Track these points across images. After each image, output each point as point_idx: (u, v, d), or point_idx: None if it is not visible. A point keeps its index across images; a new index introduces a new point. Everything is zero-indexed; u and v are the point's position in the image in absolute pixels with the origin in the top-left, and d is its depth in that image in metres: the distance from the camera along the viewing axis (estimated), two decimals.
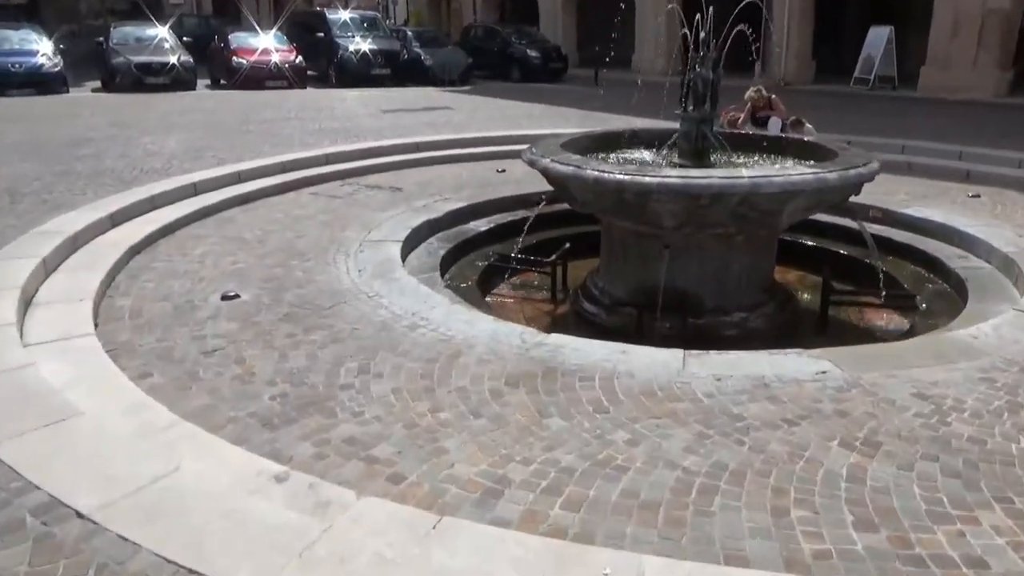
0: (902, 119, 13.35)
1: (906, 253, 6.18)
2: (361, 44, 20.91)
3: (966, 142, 9.53)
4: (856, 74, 17.63)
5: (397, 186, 8.02)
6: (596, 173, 4.66)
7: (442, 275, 5.92)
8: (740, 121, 9.94)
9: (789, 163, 5.68)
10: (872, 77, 17.18)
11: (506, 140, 10.41)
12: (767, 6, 19.64)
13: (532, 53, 22.77)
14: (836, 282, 5.49)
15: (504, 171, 8.98)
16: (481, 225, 7.03)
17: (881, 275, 5.33)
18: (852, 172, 4.63)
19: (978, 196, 7.30)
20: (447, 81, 20.76)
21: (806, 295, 5.95)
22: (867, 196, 5.61)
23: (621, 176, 4.56)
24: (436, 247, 6.35)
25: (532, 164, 5.23)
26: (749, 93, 9.86)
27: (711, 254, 5.07)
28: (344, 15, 22.99)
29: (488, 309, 5.35)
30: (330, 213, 6.78)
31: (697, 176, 4.44)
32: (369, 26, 22.41)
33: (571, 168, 4.81)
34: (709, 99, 5.42)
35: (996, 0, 14.93)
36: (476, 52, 23.24)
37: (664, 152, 5.86)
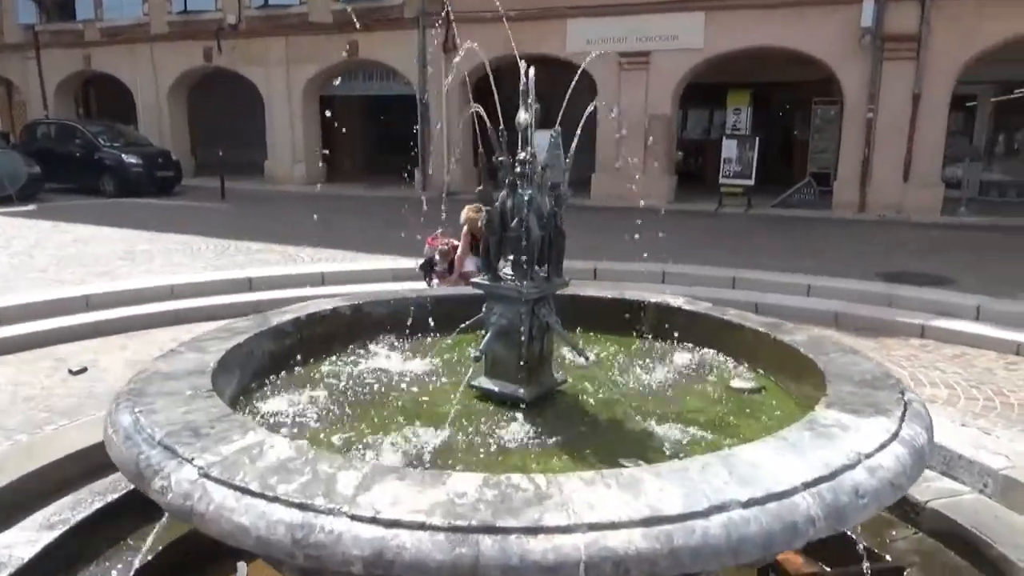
0: (605, 232, 12.44)
1: None
2: None
3: (717, 261, 8.38)
4: None
5: None
6: (378, 542, 1.52)
7: None
8: (460, 254, 7.51)
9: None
10: None
11: (87, 305, 6.45)
12: (423, 110, 18.44)
13: (131, 159, 18.20)
14: None
15: (84, 370, 5.13)
16: (20, 543, 3.20)
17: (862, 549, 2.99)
18: (921, 441, 2.17)
19: None
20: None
21: None
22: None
23: (474, 552, 1.48)
24: None
25: (146, 486, 1.88)
26: (467, 213, 7.51)
27: None
28: None
29: None
30: None
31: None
32: None
33: (292, 516, 1.59)
34: (551, 256, 2.68)
35: (658, 106, 15.45)
36: (47, 158, 17.84)
37: (448, 361, 2.95)
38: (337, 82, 20.00)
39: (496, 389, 2.66)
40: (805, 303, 6.78)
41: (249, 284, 7.59)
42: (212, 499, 1.68)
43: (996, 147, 18.80)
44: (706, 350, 3.31)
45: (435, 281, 7.53)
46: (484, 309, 2.75)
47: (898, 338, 5.98)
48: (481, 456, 2.27)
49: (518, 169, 2.58)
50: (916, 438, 2.04)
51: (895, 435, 2.00)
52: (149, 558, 2.97)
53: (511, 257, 2.66)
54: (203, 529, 1.71)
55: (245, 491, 1.67)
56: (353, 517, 1.56)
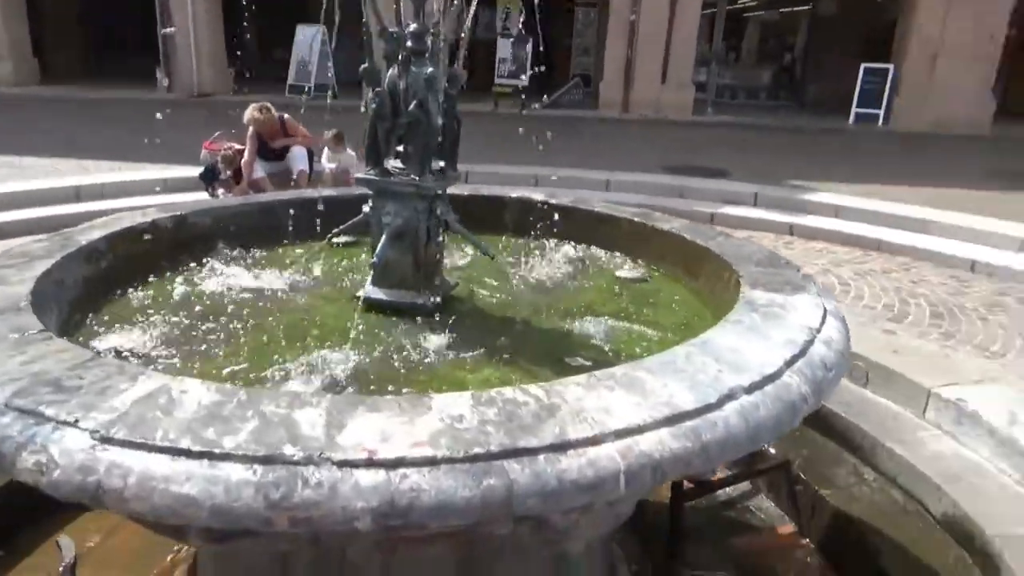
0: None
1: None
2: None
3: (511, 160, 8.37)
4: (290, 81, 15.67)
5: None
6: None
7: None
8: (247, 159, 6.77)
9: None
10: (310, 85, 15.46)
11: None
12: (162, 4, 15.99)
13: None
14: None
15: None
16: None
17: None
18: (842, 312, 2.29)
19: None
20: None
21: None
22: None
23: None
24: None
25: (8, 465, 1.37)
26: (251, 114, 6.76)
27: None
28: None
29: None
30: None
31: None
32: None
33: (258, 475, 1.24)
34: (449, 148, 2.38)
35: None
36: None
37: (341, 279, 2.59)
38: None
39: (392, 299, 2.36)
40: (608, 197, 7.02)
41: None
42: (130, 469, 1.26)
43: (727, 54, 20.78)
44: (580, 243, 3.23)
45: (220, 191, 6.72)
46: (369, 209, 2.40)
47: None
48: (404, 373, 1.99)
49: (411, 44, 2.21)
50: (838, 310, 2.12)
51: (825, 309, 2.06)
52: None
53: (401, 148, 2.33)
54: (119, 510, 1.29)
55: (178, 452, 1.27)
56: (342, 463, 1.26)
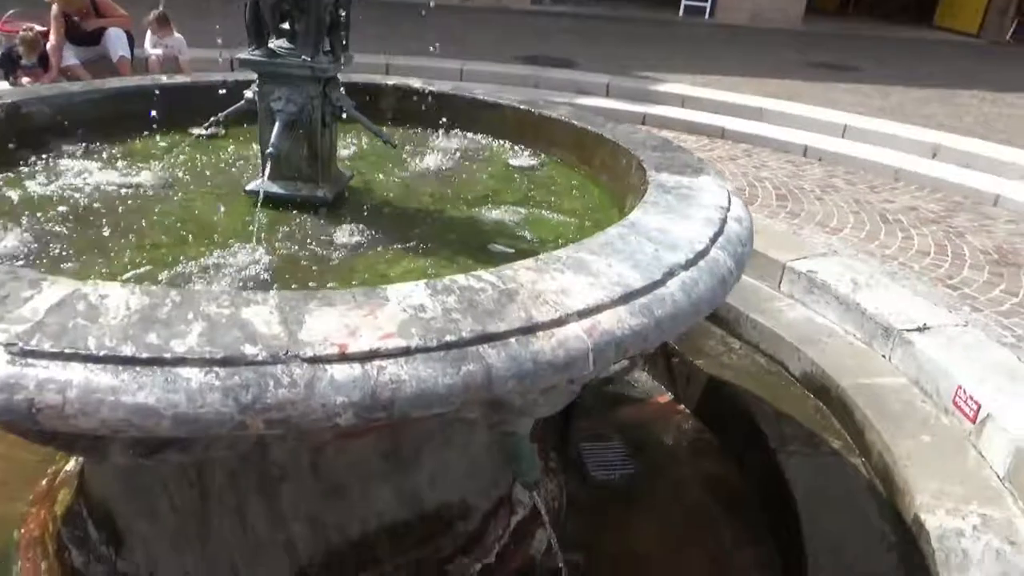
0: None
1: None
2: None
3: (401, 49, 7.91)
4: None
5: None
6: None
7: None
8: (54, 43, 5.95)
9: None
10: None
11: None
12: None
13: None
14: None
15: None
16: None
17: None
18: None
19: None
20: None
21: None
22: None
23: None
24: None
25: None
26: None
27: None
28: None
29: None
30: None
31: None
32: None
33: (223, 378, 1.15)
34: (343, 27, 2.19)
35: None
36: None
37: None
38: None
39: (289, 192, 2.21)
40: (466, 87, 6.85)
41: None
42: (68, 383, 1.12)
43: None
44: (465, 132, 3.15)
45: (25, 80, 5.85)
46: (255, 95, 2.19)
47: None
48: (318, 270, 1.89)
49: None
50: (736, 190, 2.24)
51: (728, 190, 2.16)
52: None
53: (287, 26, 2.12)
54: (56, 428, 1.15)
55: (123, 360, 1.14)
56: (313, 360, 1.19)
